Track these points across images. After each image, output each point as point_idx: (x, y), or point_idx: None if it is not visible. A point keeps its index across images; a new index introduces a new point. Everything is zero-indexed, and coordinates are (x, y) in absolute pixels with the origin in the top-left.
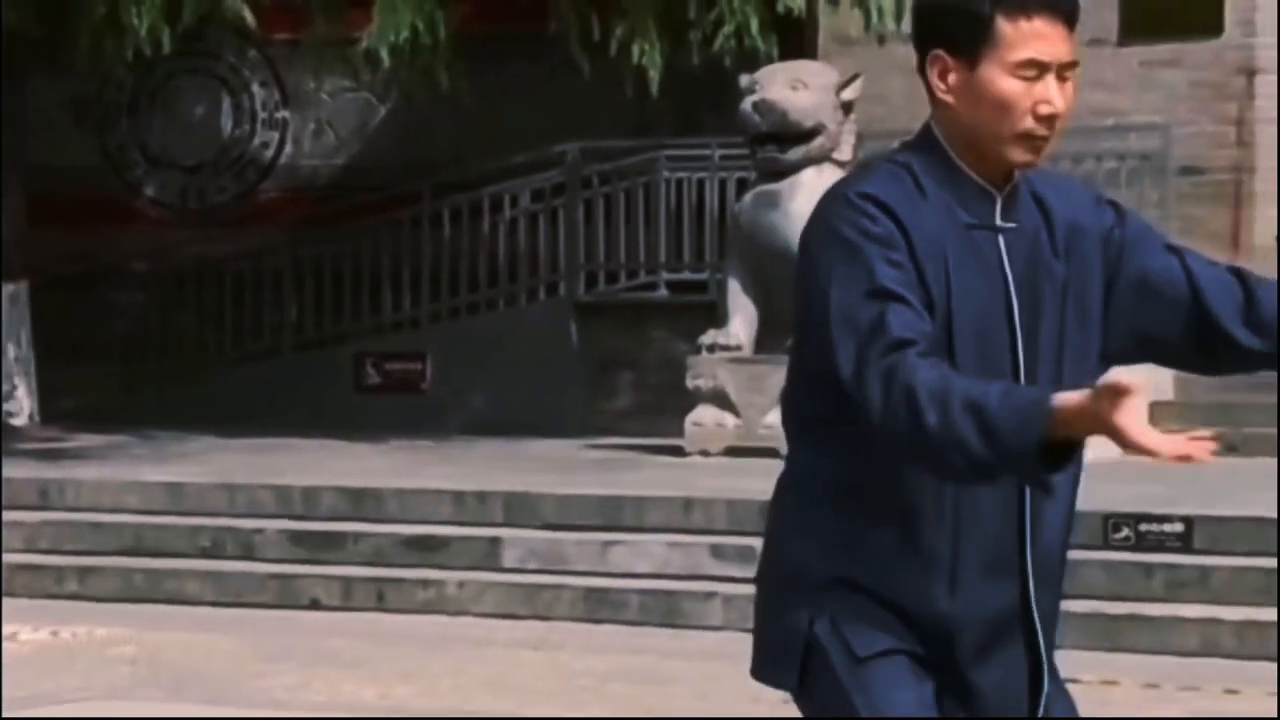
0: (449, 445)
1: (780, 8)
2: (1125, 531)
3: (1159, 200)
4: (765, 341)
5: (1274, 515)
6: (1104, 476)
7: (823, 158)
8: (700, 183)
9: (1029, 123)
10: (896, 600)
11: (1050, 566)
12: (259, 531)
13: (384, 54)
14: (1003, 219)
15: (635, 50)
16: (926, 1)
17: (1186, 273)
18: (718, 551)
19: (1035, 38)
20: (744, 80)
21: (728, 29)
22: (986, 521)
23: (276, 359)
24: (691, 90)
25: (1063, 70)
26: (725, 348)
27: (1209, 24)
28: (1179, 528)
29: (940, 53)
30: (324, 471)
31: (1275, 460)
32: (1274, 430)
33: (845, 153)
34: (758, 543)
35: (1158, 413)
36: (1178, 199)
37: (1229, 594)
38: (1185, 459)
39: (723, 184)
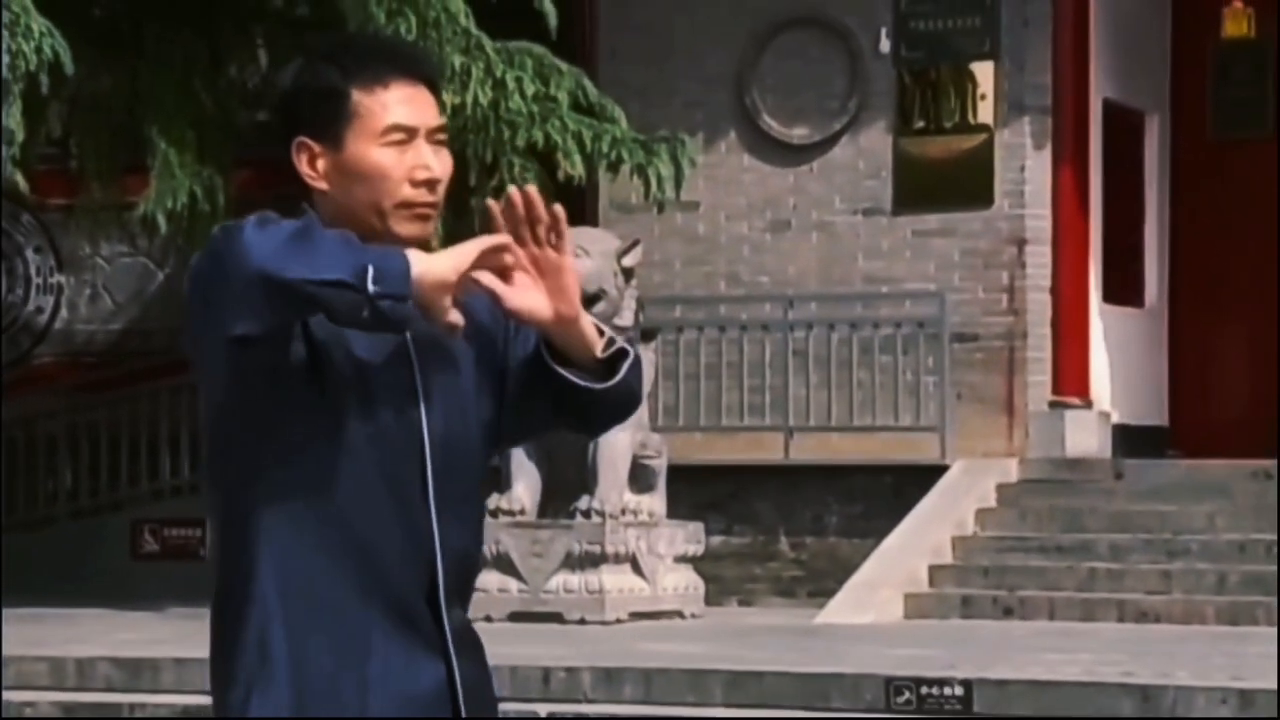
0: None
1: (561, 175)
2: (907, 695)
3: (934, 366)
4: (549, 506)
5: (1050, 678)
6: (886, 639)
7: (604, 323)
8: None
9: (407, 190)
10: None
11: (468, 634)
12: (30, 704)
13: (161, 220)
14: None
15: None
16: (282, 92)
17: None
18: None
19: (396, 104)
20: None
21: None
22: (394, 575)
23: (51, 527)
24: None
25: (433, 134)
26: (508, 512)
27: (979, 195)
28: (959, 690)
29: (305, 139)
30: (99, 642)
31: (1049, 622)
32: (1046, 594)
33: (626, 318)
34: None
35: (936, 575)
36: (953, 365)
37: None
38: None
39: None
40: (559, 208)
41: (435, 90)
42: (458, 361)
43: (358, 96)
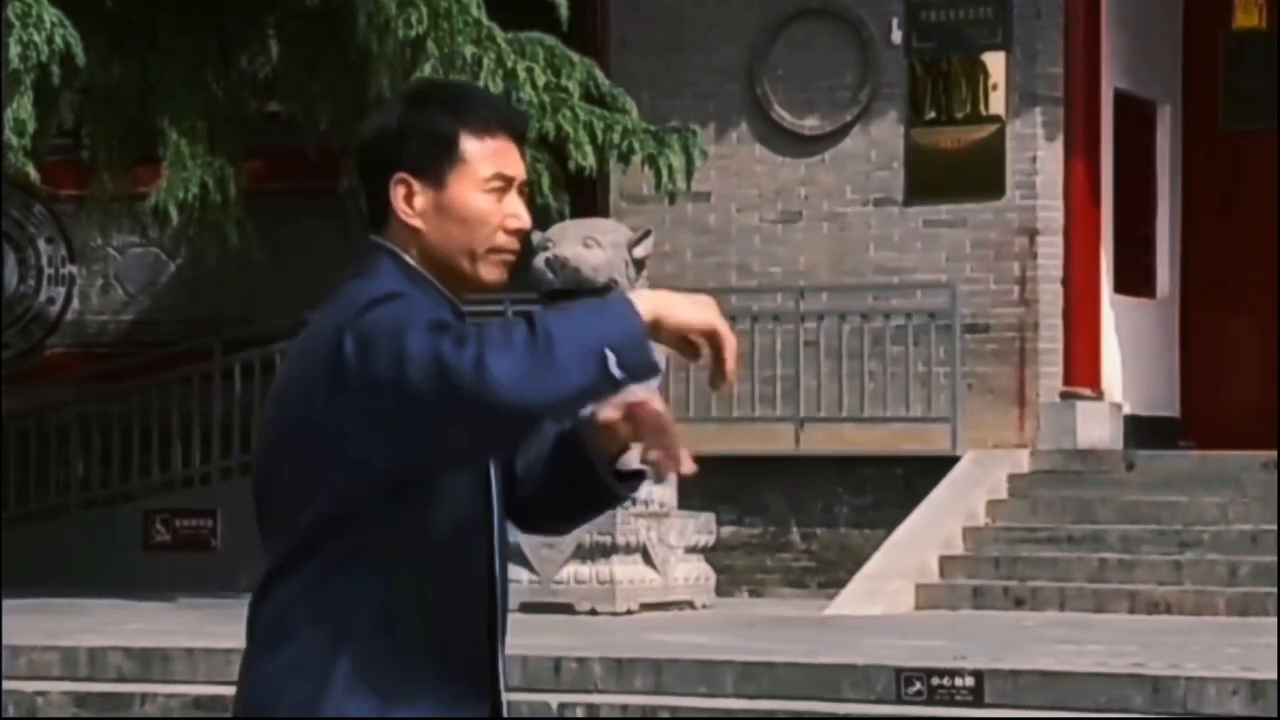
0: (239, 603)
1: (571, 166)
2: (918, 686)
3: (945, 357)
4: None
5: (1061, 669)
6: (896, 630)
7: None
8: None
9: (501, 237)
10: None
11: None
12: (42, 694)
13: (173, 211)
14: None
15: None
16: (388, 128)
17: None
18: (513, 708)
19: (499, 154)
20: (536, 237)
21: None
22: (463, 626)
23: (63, 517)
24: None
25: (522, 186)
26: None
27: (991, 186)
28: (970, 681)
29: (405, 175)
30: (110, 632)
31: (1060, 613)
32: (1057, 585)
33: None
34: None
35: (947, 566)
36: (964, 356)
37: None
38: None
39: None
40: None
41: (524, 144)
42: None
43: (466, 142)
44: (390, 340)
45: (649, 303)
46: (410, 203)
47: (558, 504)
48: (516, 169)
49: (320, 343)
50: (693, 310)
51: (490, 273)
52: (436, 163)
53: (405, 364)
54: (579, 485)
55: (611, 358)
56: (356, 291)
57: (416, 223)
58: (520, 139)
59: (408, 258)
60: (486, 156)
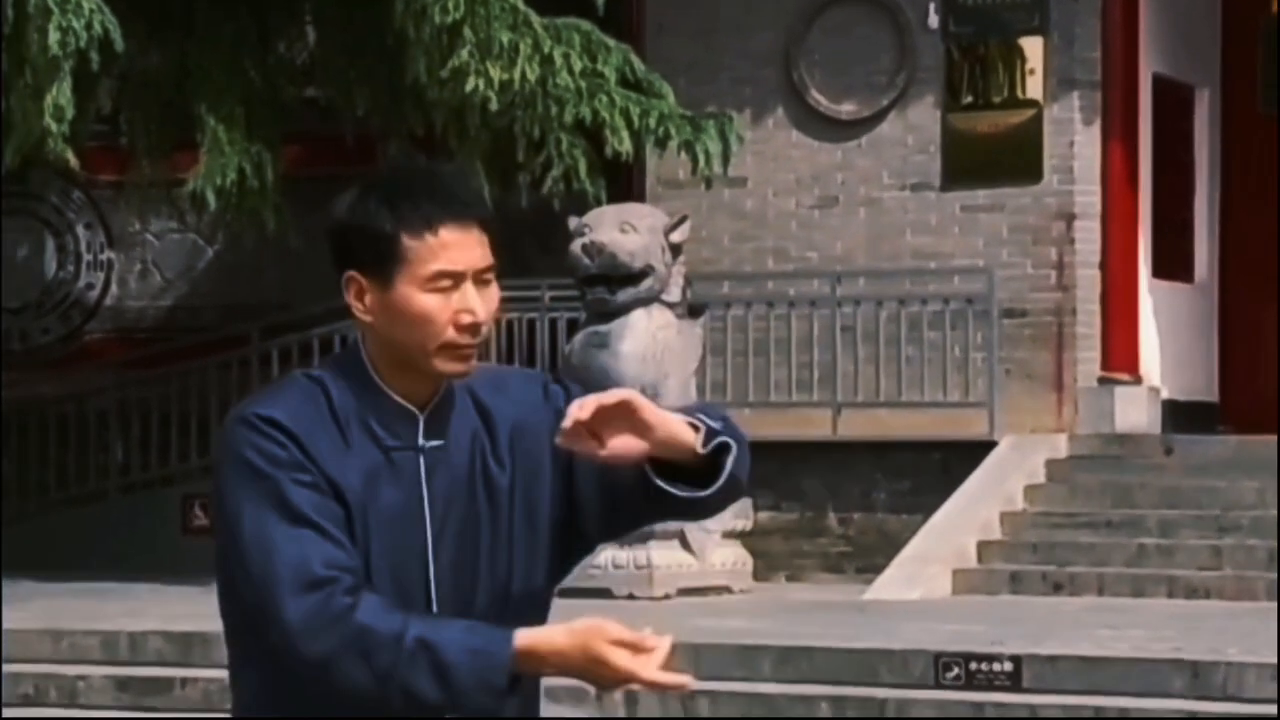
0: None
1: (608, 151)
2: (956, 670)
3: (983, 342)
4: None
5: (1100, 654)
6: (934, 615)
7: (652, 299)
8: (530, 323)
9: (451, 334)
10: None
11: None
12: (83, 678)
13: (210, 196)
14: (427, 437)
15: None
16: (334, 224)
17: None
18: (551, 693)
19: (443, 249)
20: (573, 223)
21: (556, 171)
22: None
23: (102, 502)
24: (520, 232)
25: (480, 274)
26: None
27: (1028, 170)
28: (1008, 666)
29: (354, 274)
30: (151, 616)
31: (1098, 598)
32: (1095, 570)
33: (674, 294)
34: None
35: (985, 551)
36: (1002, 341)
37: None
38: (676, 688)
39: (553, 325)
40: (616, 402)
41: (486, 228)
42: (479, 490)
43: (407, 241)
44: (246, 540)
45: (539, 666)
46: (362, 299)
47: (666, 515)
48: (466, 261)
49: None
50: (587, 680)
51: (447, 366)
52: (380, 262)
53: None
54: (657, 500)
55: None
56: (244, 404)
57: (368, 319)
58: (479, 225)
59: (367, 356)
60: (429, 255)
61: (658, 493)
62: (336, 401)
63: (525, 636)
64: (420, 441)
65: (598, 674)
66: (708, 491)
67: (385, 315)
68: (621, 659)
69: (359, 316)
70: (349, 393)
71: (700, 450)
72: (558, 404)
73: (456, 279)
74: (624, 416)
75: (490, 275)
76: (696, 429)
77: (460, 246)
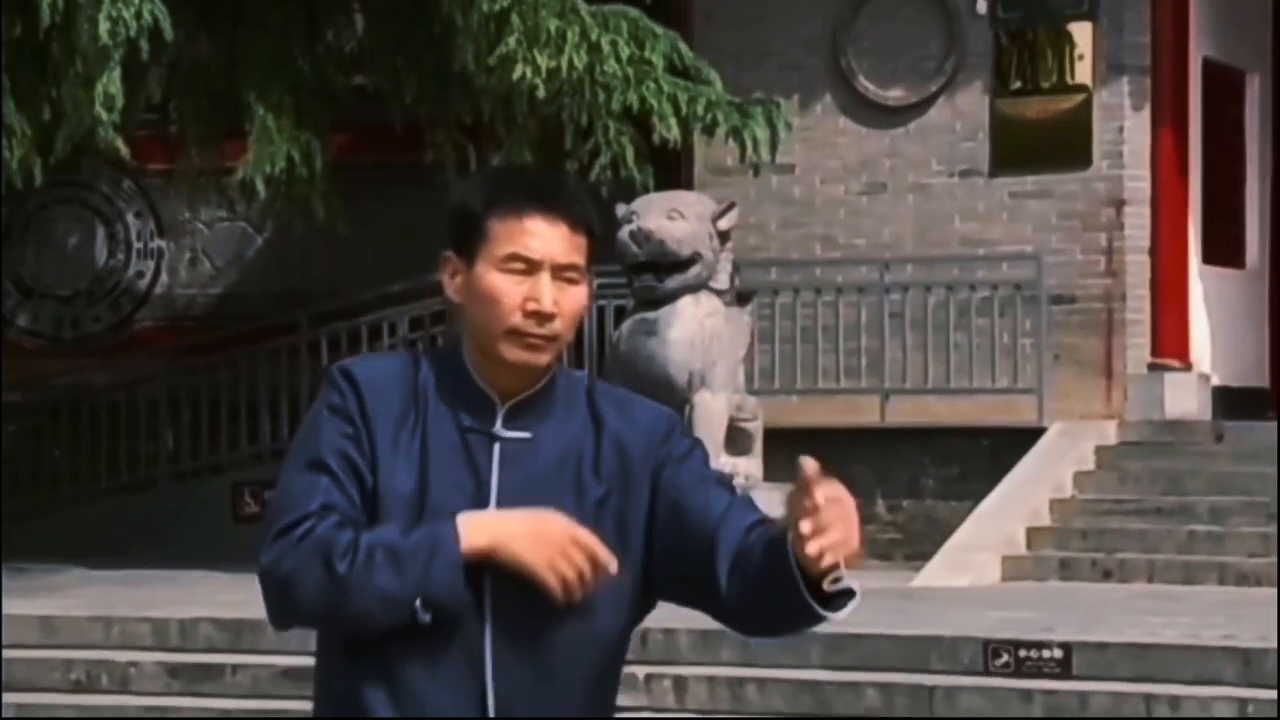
0: None
1: (656, 138)
2: (1005, 657)
3: (1031, 328)
4: None
5: (1150, 641)
6: (983, 602)
7: (699, 286)
8: None
9: (517, 319)
10: None
11: None
12: (134, 665)
13: (260, 184)
14: (508, 426)
15: None
16: (451, 204)
17: (719, 513)
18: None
19: (523, 234)
20: (621, 210)
21: (604, 159)
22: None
23: (153, 489)
24: None
25: (561, 270)
26: None
27: (1077, 156)
28: (1058, 654)
29: (449, 253)
30: (201, 603)
31: (1148, 585)
32: (1145, 557)
33: (722, 281)
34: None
35: (1034, 538)
36: (1050, 327)
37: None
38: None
39: (600, 312)
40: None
41: (584, 231)
42: (567, 491)
43: (492, 221)
44: (288, 461)
45: (488, 535)
46: (453, 279)
47: (759, 608)
48: (545, 251)
49: None
50: (531, 555)
51: (512, 354)
52: (468, 241)
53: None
54: (780, 594)
55: (419, 603)
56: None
57: (456, 298)
58: (569, 221)
59: (466, 342)
60: (508, 236)
61: (783, 585)
62: (422, 378)
63: (468, 514)
64: (497, 428)
65: (545, 541)
66: (829, 615)
67: (467, 294)
68: (579, 533)
69: (449, 295)
70: (438, 373)
71: (828, 586)
72: (675, 450)
73: (532, 266)
74: (834, 502)
75: (575, 275)
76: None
77: (542, 237)
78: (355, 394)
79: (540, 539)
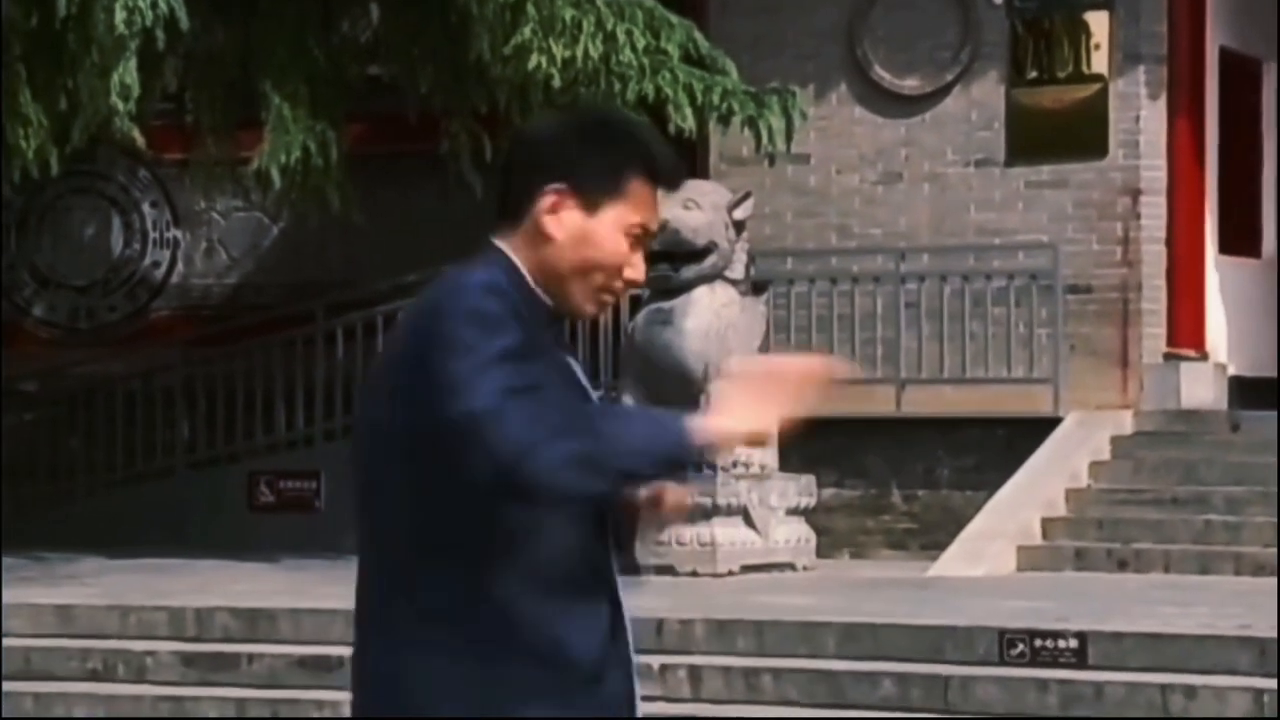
0: (343, 564)
1: (671, 128)
2: (1020, 647)
3: (1047, 318)
4: None
5: (1166, 631)
6: (999, 592)
7: (715, 275)
8: None
9: (618, 283)
10: None
11: None
12: (151, 653)
13: (275, 174)
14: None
15: None
16: (558, 137)
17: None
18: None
19: (650, 206)
20: None
21: None
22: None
23: (169, 479)
24: None
25: (652, 238)
26: None
27: (1093, 145)
28: (1074, 643)
29: (563, 189)
30: (217, 592)
31: (1164, 575)
32: (1161, 547)
33: (737, 270)
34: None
35: (1049, 528)
36: (1066, 317)
37: (1123, 709)
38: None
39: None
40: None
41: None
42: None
43: (635, 183)
44: (463, 381)
45: (722, 433)
46: (556, 213)
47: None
48: (654, 224)
49: (419, 319)
50: (745, 423)
51: (591, 307)
52: (599, 190)
53: (466, 418)
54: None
55: (655, 469)
56: (459, 273)
57: (554, 233)
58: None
59: (520, 263)
60: (642, 204)
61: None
62: (511, 293)
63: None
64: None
65: (777, 384)
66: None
67: (575, 237)
68: (793, 364)
69: (544, 229)
70: (516, 289)
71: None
72: None
73: (643, 236)
74: None
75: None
76: None
77: (656, 210)
78: (509, 305)
79: (767, 380)
